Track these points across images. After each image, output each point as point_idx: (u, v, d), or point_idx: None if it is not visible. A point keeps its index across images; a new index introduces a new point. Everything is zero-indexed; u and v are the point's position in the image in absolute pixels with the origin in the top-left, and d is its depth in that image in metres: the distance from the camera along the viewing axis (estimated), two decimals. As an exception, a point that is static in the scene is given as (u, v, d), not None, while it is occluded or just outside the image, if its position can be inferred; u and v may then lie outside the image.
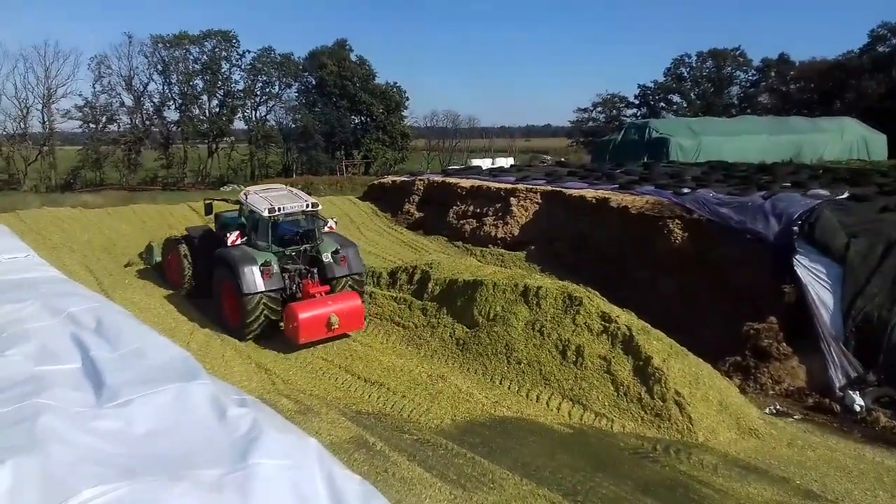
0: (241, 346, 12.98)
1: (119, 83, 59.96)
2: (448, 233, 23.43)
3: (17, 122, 57.64)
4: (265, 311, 13.15)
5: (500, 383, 11.37)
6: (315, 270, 14.13)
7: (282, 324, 13.27)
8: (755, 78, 71.35)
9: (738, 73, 72.25)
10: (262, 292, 12.99)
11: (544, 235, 20.32)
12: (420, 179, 27.96)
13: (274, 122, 66.80)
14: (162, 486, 3.91)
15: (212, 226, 16.51)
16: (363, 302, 13.99)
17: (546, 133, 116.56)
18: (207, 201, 16.48)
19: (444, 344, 12.86)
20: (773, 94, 68.53)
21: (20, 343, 6.58)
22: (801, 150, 35.80)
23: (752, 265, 14.09)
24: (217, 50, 62.67)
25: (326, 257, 14.14)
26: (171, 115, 63.07)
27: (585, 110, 78.30)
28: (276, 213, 13.68)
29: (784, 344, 12.53)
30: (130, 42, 59.30)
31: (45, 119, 58.62)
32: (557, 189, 21.72)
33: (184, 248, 15.88)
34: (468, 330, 12.83)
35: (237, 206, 15.33)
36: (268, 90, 66.26)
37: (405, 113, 68.55)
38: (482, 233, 22.06)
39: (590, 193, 20.19)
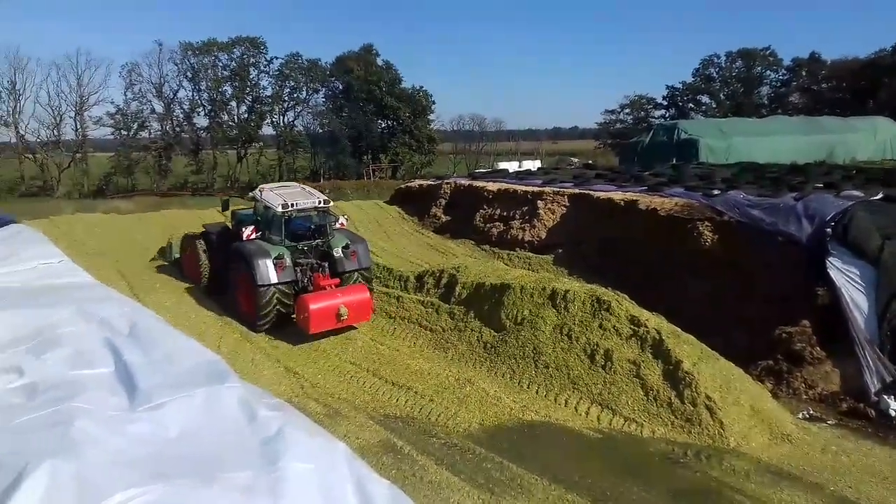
0: (270, 349, 13.10)
1: (150, 90, 61.53)
2: (475, 236, 23.37)
3: (50, 130, 59.29)
4: (278, 303, 13.56)
5: (528, 387, 11.31)
6: (326, 264, 14.43)
7: (294, 315, 13.59)
8: (786, 77, 70.40)
9: (768, 72, 71.46)
10: (275, 284, 13.46)
11: (572, 238, 20.14)
12: (447, 183, 27.85)
13: (301, 128, 67.72)
14: (193, 488, 3.94)
15: (228, 223, 16.92)
16: (371, 295, 14.19)
17: (573, 135, 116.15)
18: (224, 198, 16.75)
19: (471, 348, 12.85)
20: (804, 94, 67.51)
21: (55, 347, 6.66)
22: (834, 150, 35.01)
23: (785, 268, 13.85)
24: (245, 56, 63.78)
25: (337, 252, 14.46)
26: (201, 121, 64.54)
27: (613, 112, 78.20)
28: (290, 209, 14.11)
29: (817, 348, 12.29)
30: (161, 50, 60.91)
31: (78, 126, 60.32)
32: (585, 192, 21.55)
33: (201, 244, 16.30)
34: (495, 334, 12.80)
35: (252, 204, 15.76)
36: (295, 95, 67.27)
37: (431, 117, 68.97)
38: (509, 236, 21.99)
39: (618, 196, 20.03)
